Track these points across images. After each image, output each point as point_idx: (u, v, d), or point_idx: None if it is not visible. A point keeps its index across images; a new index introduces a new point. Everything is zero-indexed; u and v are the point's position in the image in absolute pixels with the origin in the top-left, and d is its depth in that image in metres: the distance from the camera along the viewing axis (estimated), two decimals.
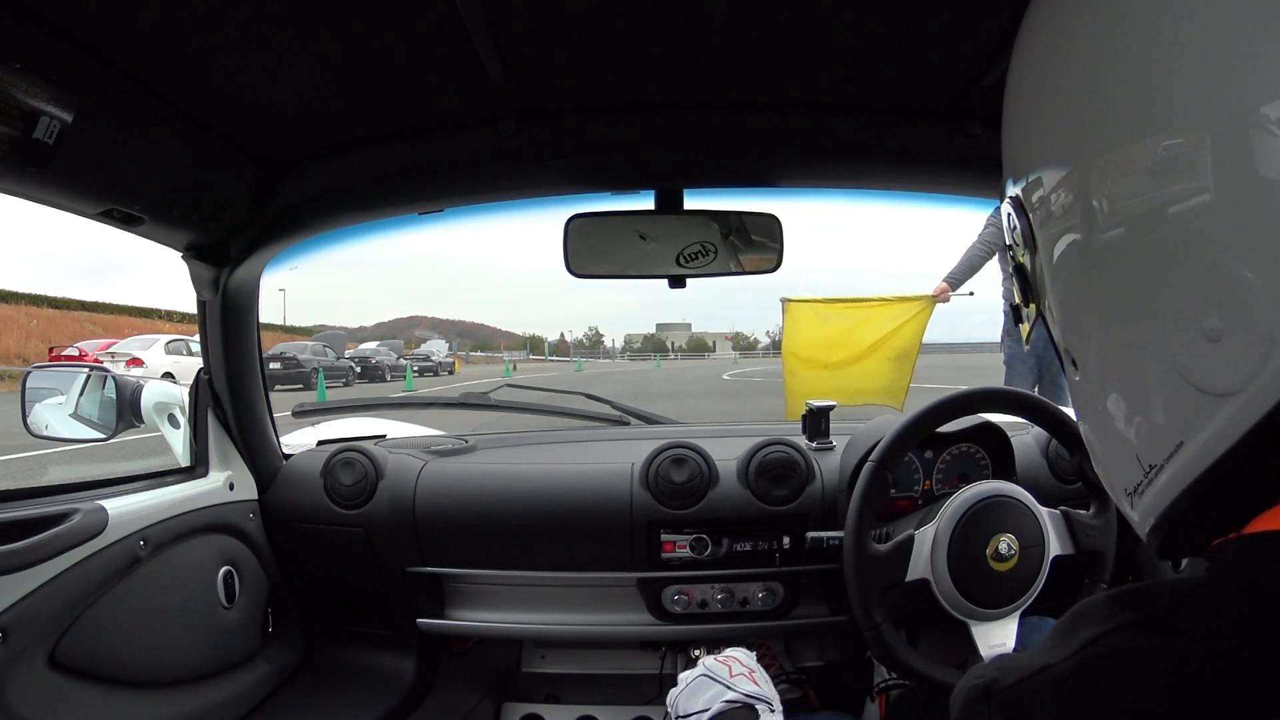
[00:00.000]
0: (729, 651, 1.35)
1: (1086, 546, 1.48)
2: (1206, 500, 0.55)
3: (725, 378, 30.88)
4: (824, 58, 1.29)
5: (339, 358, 29.30)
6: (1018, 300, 0.72)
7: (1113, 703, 0.50)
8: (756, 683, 1.27)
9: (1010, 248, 0.70)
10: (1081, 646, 0.53)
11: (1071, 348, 0.64)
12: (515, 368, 43.81)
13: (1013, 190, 0.68)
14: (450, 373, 39.32)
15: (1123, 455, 0.60)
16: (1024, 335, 0.76)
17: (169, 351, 21.77)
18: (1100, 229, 0.56)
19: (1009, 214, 0.68)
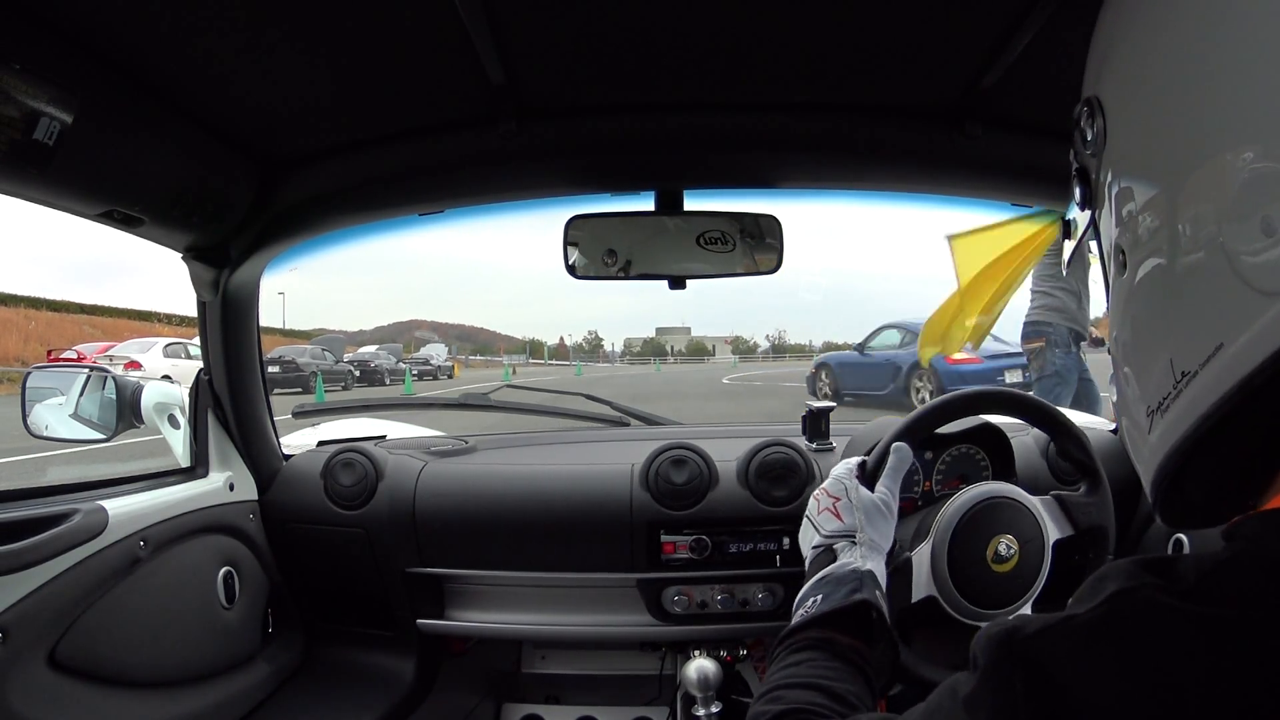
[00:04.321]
0: (823, 484, 1.32)
1: (1085, 524, 1.46)
2: (1229, 427, 0.54)
3: (725, 381, 29.91)
4: (824, 59, 1.29)
5: (337, 361, 28.35)
6: (1074, 211, 0.72)
7: (1137, 652, 0.50)
8: (839, 515, 1.24)
9: (1076, 149, 0.70)
10: (1106, 599, 0.52)
11: (1124, 244, 0.63)
12: (515, 371, 42.65)
13: (1091, 88, 0.67)
14: (450, 376, 37.51)
15: (1154, 362, 0.60)
16: (1064, 256, 0.76)
17: (167, 354, 21.34)
18: (1175, 133, 0.57)
19: (1083, 110, 0.68)
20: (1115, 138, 0.64)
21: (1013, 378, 12.11)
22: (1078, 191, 0.70)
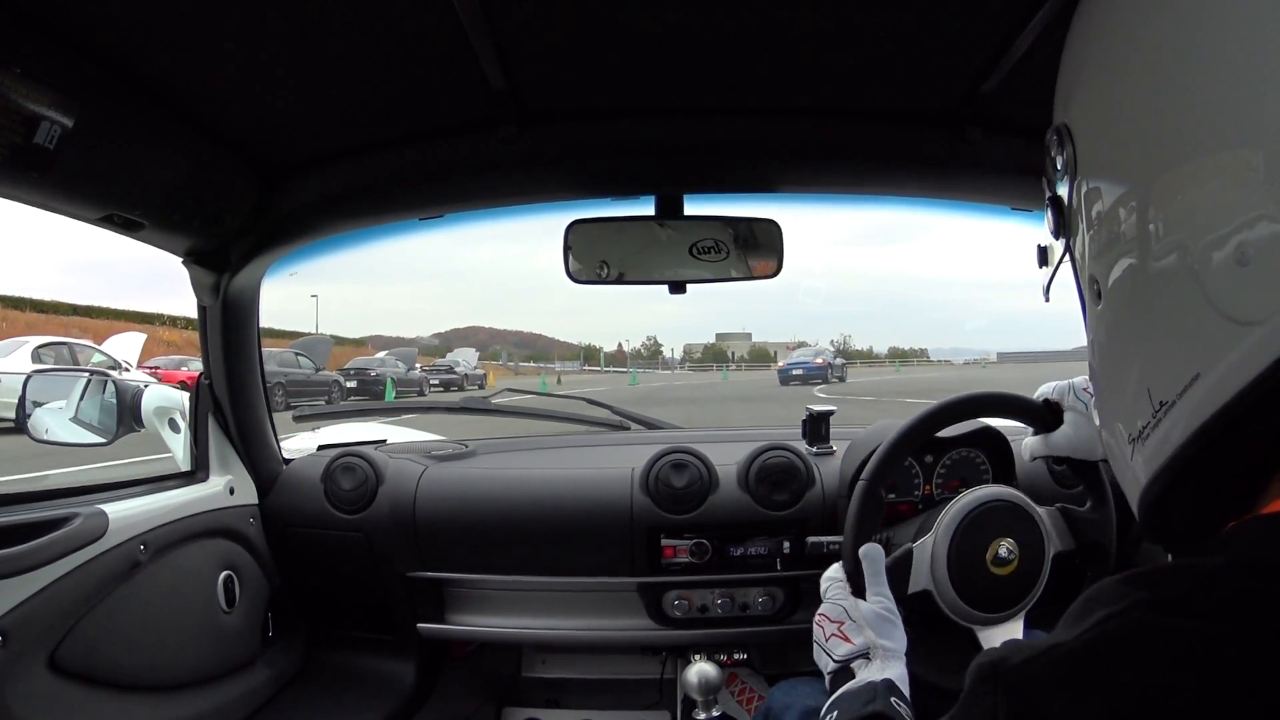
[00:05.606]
0: (821, 609, 1.31)
1: (1086, 540, 1.46)
2: (1209, 454, 0.54)
3: (819, 395, 23.74)
4: (825, 63, 1.30)
5: (318, 369, 23.37)
6: (1048, 238, 0.73)
7: (1122, 681, 0.49)
8: (847, 637, 1.23)
9: (1049, 178, 0.70)
10: (1093, 625, 0.52)
11: (1099, 274, 0.63)
12: (560, 380, 36.60)
13: (1060, 117, 0.68)
14: (481, 386, 31.42)
15: (1133, 392, 0.59)
16: (1045, 285, 0.76)
17: (39, 358, 15.43)
18: (1144, 159, 0.57)
19: (1053, 139, 0.68)
20: (1085, 166, 0.65)
21: (796, 371, 30.87)
22: (1051, 220, 0.70)
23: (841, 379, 32.94)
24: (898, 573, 1.41)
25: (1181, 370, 0.54)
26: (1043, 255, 0.75)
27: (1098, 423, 0.69)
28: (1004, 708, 0.53)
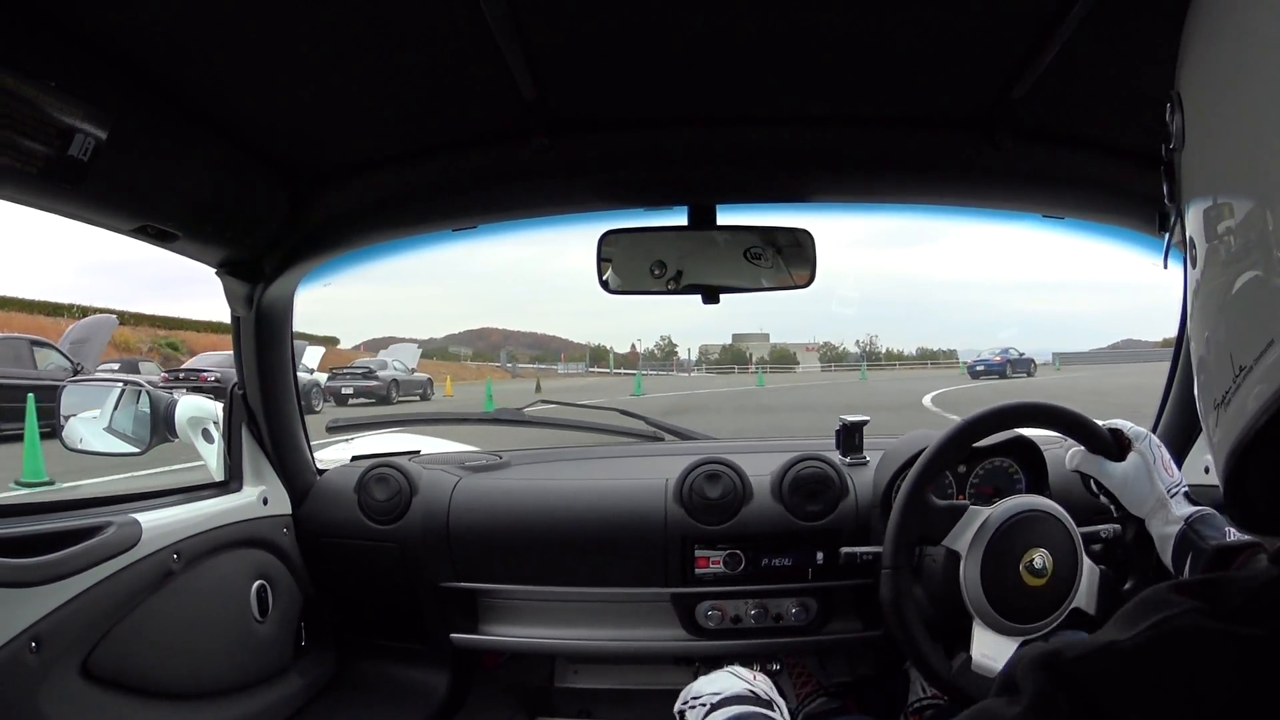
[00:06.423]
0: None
1: (1109, 613, 1.45)
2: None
3: (930, 405, 19.30)
4: (854, 71, 1.29)
5: (78, 369, 13.73)
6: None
7: (1183, 681, 0.49)
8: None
9: (1164, 144, 0.72)
10: (1151, 625, 0.52)
11: (1196, 238, 0.64)
12: (539, 388, 26.26)
13: (1176, 84, 0.69)
14: (424, 397, 24.60)
15: (1220, 357, 0.59)
16: (1164, 251, 0.78)
17: None
18: (1236, 125, 0.57)
19: (1167, 106, 0.69)
20: (1191, 135, 0.65)
21: (979, 368, 37.50)
22: (1165, 187, 0.72)
23: (1029, 374, 36.59)
24: (946, 518, 1.47)
25: (1258, 336, 0.54)
26: (1163, 221, 0.76)
27: (1199, 410, 0.69)
28: (1065, 700, 0.52)
